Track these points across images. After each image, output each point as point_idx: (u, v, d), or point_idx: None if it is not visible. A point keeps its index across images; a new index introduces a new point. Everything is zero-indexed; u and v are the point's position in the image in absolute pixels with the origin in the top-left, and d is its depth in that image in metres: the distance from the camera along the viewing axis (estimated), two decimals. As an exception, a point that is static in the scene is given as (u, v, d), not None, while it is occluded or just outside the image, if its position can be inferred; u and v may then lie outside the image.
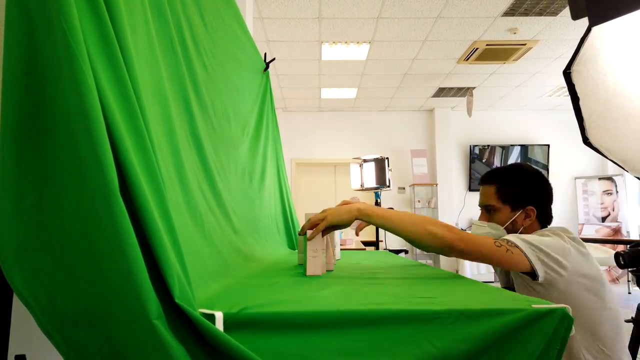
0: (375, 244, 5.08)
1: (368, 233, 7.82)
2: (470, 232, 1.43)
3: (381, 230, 5.05)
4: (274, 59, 3.02)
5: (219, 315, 0.74)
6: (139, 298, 0.66)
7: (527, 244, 1.23)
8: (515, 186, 1.43)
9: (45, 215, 0.72)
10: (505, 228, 1.43)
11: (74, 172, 0.71)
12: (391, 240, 7.72)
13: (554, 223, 1.50)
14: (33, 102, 0.73)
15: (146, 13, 1.04)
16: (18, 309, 0.79)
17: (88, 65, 0.69)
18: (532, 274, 1.24)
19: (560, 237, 1.30)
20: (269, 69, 2.89)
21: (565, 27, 4.95)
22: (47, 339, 0.71)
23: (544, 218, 1.45)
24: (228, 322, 0.75)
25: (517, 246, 1.22)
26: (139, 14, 1.00)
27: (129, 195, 0.71)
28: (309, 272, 1.32)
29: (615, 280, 7.27)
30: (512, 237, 1.26)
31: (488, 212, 1.47)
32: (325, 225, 1.27)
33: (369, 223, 1.30)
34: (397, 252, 5.44)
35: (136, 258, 0.67)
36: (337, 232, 1.66)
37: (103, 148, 0.68)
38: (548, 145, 8.04)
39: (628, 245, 1.48)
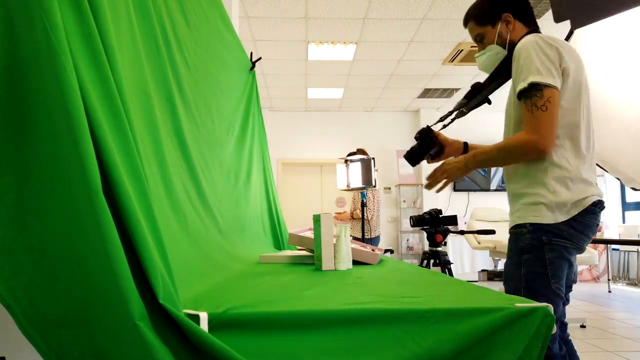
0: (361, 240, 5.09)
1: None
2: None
3: (367, 229, 5.07)
4: (260, 58, 3.01)
5: (203, 316, 0.74)
6: (122, 299, 0.65)
7: (541, 75, 1.36)
8: (483, 7, 1.62)
9: (26, 215, 0.71)
10: (497, 44, 1.59)
11: (55, 172, 0.70)
12: (377, 240, 7.73)
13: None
14: (13, 99, 0.72)
15: (129, 11, 1.03)
16: (-3, 310, 0.78)
17: (70, 63, 0.68)
18: None
19: (534, 47, 1.40)
20: (255, 68, 2.88)
21: (548, 30, 4.99)
22: (27, 340, 0.69)
23: (524, 16, 1.59)
24: (213, 323, 0.75)
25: (544, 85, 1.36)
26: (122, 12, 0.98)
27: (112, 195, 0.70)
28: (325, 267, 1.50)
29: (596, 279, 7.40)
30: (534, 79, 1.37)
31: (480, 42, 1.65)
32: (448, 182, 1.61)
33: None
34: (383, 252, 5.45)
35: (119, 258, 0.66)
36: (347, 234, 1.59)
37: (86, 147, 0.67)
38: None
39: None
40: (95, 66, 0.75)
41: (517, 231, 1.45)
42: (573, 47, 1.46)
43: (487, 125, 8.22)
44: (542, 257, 1.38)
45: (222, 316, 0.76)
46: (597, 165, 2.08)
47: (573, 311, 4.79)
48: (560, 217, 1.38)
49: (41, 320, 0.69)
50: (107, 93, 0.76)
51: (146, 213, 0.77)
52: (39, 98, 0.71)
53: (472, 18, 1.64)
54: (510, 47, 1.55)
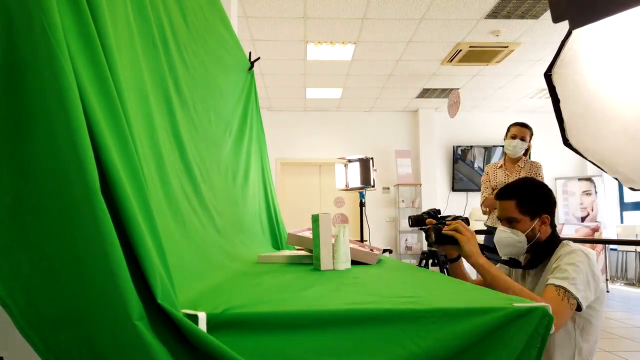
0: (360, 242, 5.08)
1: (352, 233, 7.85)
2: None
3: (365, 229, 5.07)
4: (258, 58, 3.01)
5: (202, 316, 0.74)
6: (120, 299, 0.65)
7: (577, 289, 1.43)
8: (532, 199, 1.63)
9: (24, 215, 0.71)
10: (525, 235, 1.61)
11: (54, 172, 0.70)
12: (375, 240, 7.74)
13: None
14: (11, 99, 0.72)
15: (127, 10, 1.03)
16: (-5, 310, 0.78)
17: (69, 63, 0.68)
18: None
19: (586, 263, 1.49)
20: (253, 68, 2.87)
21: (546, 30, 5.02)
22: (25, 340, 0.69)
23: (553, 223, 1.66)
24: (211, 323, 0.75)
25: (574, 297, 1.42)
26: (121, 12, 0.98)
27: (111, 195, 0.70)
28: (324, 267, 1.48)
29: (594, 279, 7.41)
30: (567, 286, 1.44)
31: (509, 222, 1.65)
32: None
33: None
34: (382, 251, 5.45)
35: (118, 258, 0.66)
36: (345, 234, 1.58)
37: (84, 147, 0.67)
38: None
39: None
40: (94, 66, 0.75)
41: None
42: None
43: (490, 126, 8.23)
44: None
45: (221, 316, 0.76)
46: (596, 165, 2.08)
47: (571, 311, 4.78)
48: None
49: (39, 321, 0.69)
50: (105, 93, 0.75)
51: (144, 213, 0.77)
52: (38, 98, 0.70)
53: (516, 199, 1.63)
54: (535, 245, 1.60)
